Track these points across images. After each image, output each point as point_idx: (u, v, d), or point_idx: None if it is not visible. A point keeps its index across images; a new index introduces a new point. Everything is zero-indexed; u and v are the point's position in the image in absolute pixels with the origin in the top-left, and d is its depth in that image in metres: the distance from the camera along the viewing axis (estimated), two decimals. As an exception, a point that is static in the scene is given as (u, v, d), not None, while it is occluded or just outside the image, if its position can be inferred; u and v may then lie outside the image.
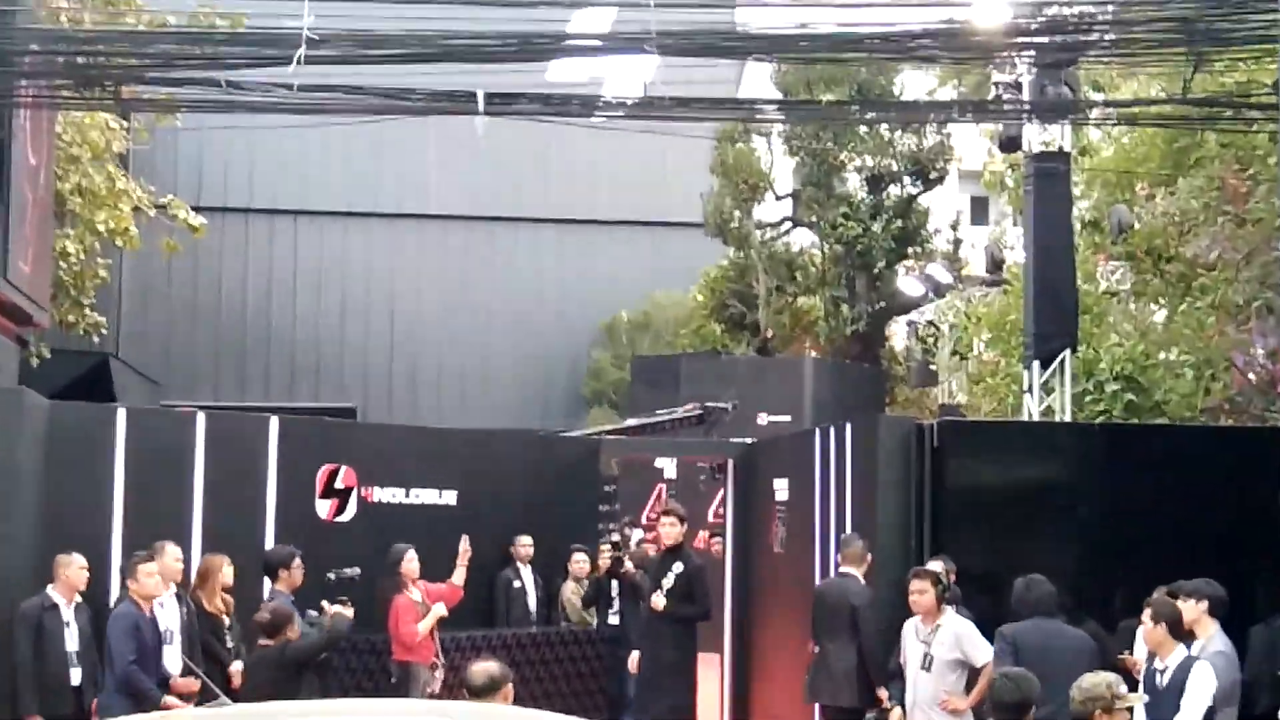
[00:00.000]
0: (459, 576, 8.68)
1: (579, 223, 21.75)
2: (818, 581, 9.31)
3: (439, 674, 8.18)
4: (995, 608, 7.82)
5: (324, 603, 8.00)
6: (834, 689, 8.01)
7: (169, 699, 7.33)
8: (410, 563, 8.41)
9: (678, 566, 8.72)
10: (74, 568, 7.25)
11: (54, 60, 9.71)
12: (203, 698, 7.42)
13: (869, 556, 8.19)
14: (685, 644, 8.91)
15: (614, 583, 9.69)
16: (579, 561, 9.93)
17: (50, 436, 8.43)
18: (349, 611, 7.69)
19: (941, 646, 7.29)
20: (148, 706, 6.99)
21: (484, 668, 5.14)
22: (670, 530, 8.92)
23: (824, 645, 8.10)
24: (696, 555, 9.94)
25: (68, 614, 7.17)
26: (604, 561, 9.89)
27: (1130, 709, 5.64)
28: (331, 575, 8.38)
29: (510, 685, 5.11)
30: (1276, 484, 8.10)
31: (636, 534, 11.03)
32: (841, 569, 8.25)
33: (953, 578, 7.93)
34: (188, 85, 10.69)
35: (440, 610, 8.27)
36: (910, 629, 7.39)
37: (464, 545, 8.72)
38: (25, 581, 7.80)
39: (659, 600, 8.51)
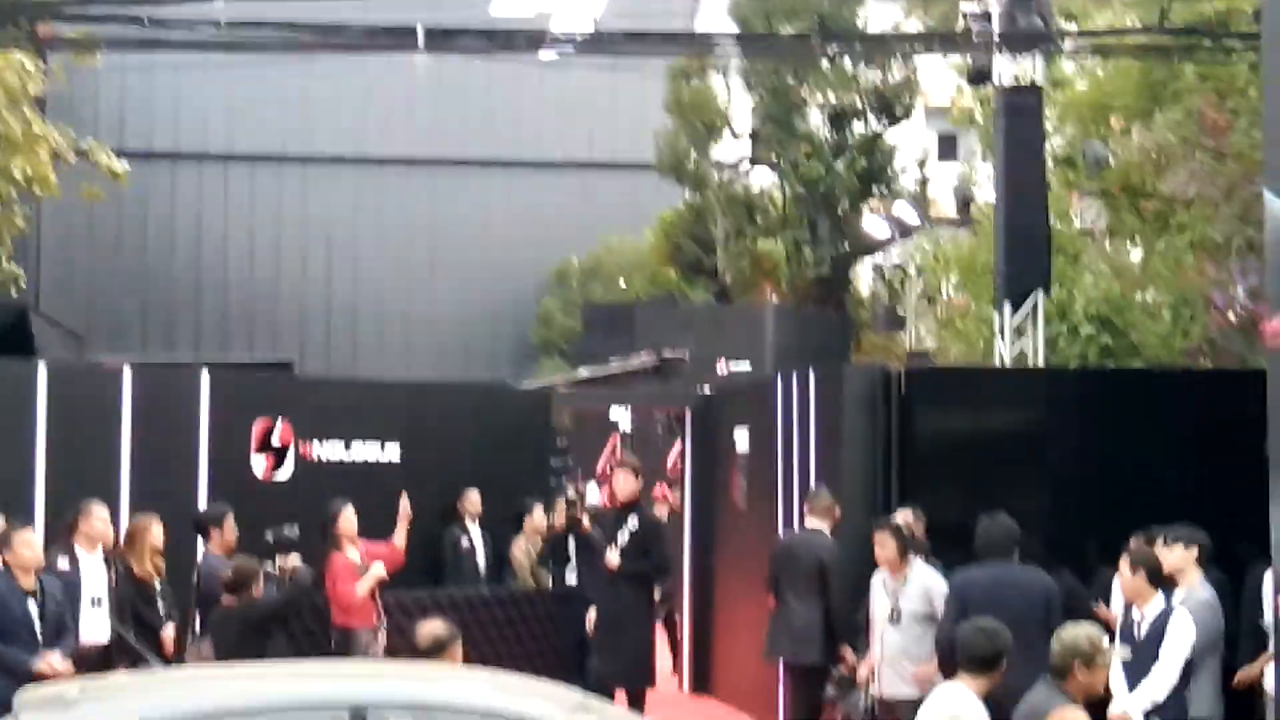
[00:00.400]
0: (399, 537, 8.50)
1: (526, 165, 21.62)
2: (781, 535, 9.20)
3: (381, 637, 8.07)
4: (968, 559, 7.52)
5: (274, 560, 7.92)
6: (795, 646, 7.93)
7: (41, 666, 6.90)
8: (347, 520, 8.17)
9: (633, 522, 8.60)
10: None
11: None
12: (132, 662, 7.42)
13: (837, 510, 8.09)
14: (642, 601, 8.82)
15: (570, 540, 9.58)
16: (535, 517, 9.89)
17: None
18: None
19: (909, 599, 7.20)
20: (18, 679, 6.62)
21: (430, 628, 5.21)
22: (625, 485, 8.80)
23: (785, 600, 7.99)
24: (653, 510, 9.94)
25: None
26: (559, 518, 9.79)
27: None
28: (269, 535, 8.21)
29: (458, 646, 5.18)
30: (1258, 428, 7.51)
31: (591, 488, 10.93)
32: (808, 522, 8.15)
33: (921, 528, 7.83)
34: (108, 22, 10.49)
35: (379, 571, 8.12)
36: (878, 582, 7.28)
37: (404, 504, 8.54)
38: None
39: (613, 557, 8.48)
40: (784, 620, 8.13)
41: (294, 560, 8.02)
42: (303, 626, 8.58)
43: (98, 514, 7.60)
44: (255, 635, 7.17)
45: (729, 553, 10.89)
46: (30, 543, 7.08)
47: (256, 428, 9.35)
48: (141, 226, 20.16)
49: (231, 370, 12.28)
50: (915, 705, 6.27)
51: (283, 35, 10.28)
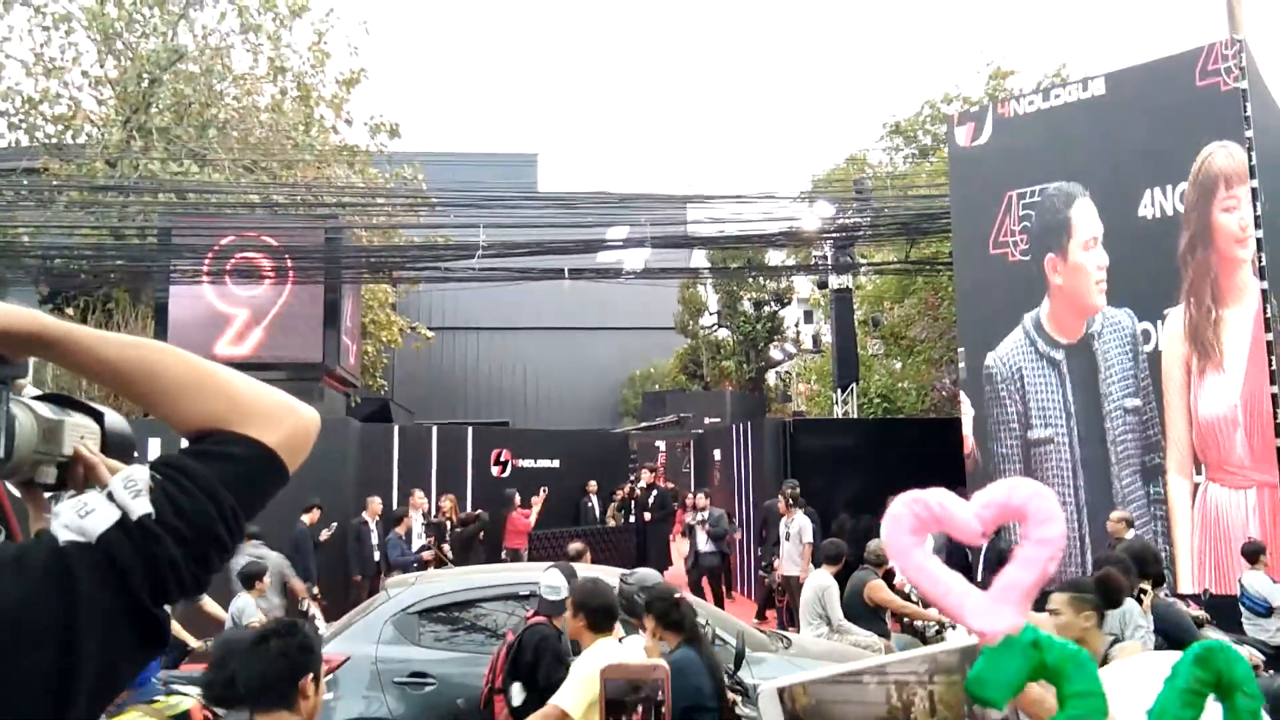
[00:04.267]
0: (537, 507, 14.06)
1: (623, 329, 31.11)
2: (739, 499, 14.83)
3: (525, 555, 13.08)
4: (823, 515, 12.18)
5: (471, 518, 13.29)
6: (771, 559, 12.28)
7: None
8: (517, 499, 13.80)
9: (655, 493, 15.27)
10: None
11: (361, 261, 16.34)
12: (440, 565, 12.88)
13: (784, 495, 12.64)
14: (664, 529, 15.06)
15: (633, 501, 15.42)
16: (624, 491, 15.68)
17: (361, 444, 13.97)
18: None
19: (792, 530, 11.51)
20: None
21: (574, 545, 8.50)
22: (648, 476, 15.34)
23: (764, 535, 12.79)
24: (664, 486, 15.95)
25: None
26: (629, 491, 15.57)
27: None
28: (480, 513, 13.90)
29: (588, 554, 8.48)
30: (956, 449, 10.98)
31: (645, 475, 16.43)
32: (769, 501, 12.82)
33: (797, 491, 11.95)
34: (424, 267, 16.79)
35: (531, 520, 13.90)
36: (781, 521, 11.66)
37: (543, 493, 14.08)
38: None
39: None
40: (770, 542, 12.12)
41: (480, 512, 13.21)
42: (488, 546, 13.44)
43: (419, 496, 13.14)
44: (469, 544, 12.65)
45: (711, 502, 15.31)
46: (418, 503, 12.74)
47: (494, 452, 15.35)
48: (441, 359, 28.30)
49: (481, 425, 16.59)
50: (798, 580, 10.07)
51: (504, 272, 16.18)
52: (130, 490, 1.00)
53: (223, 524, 1.04)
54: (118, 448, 1.17)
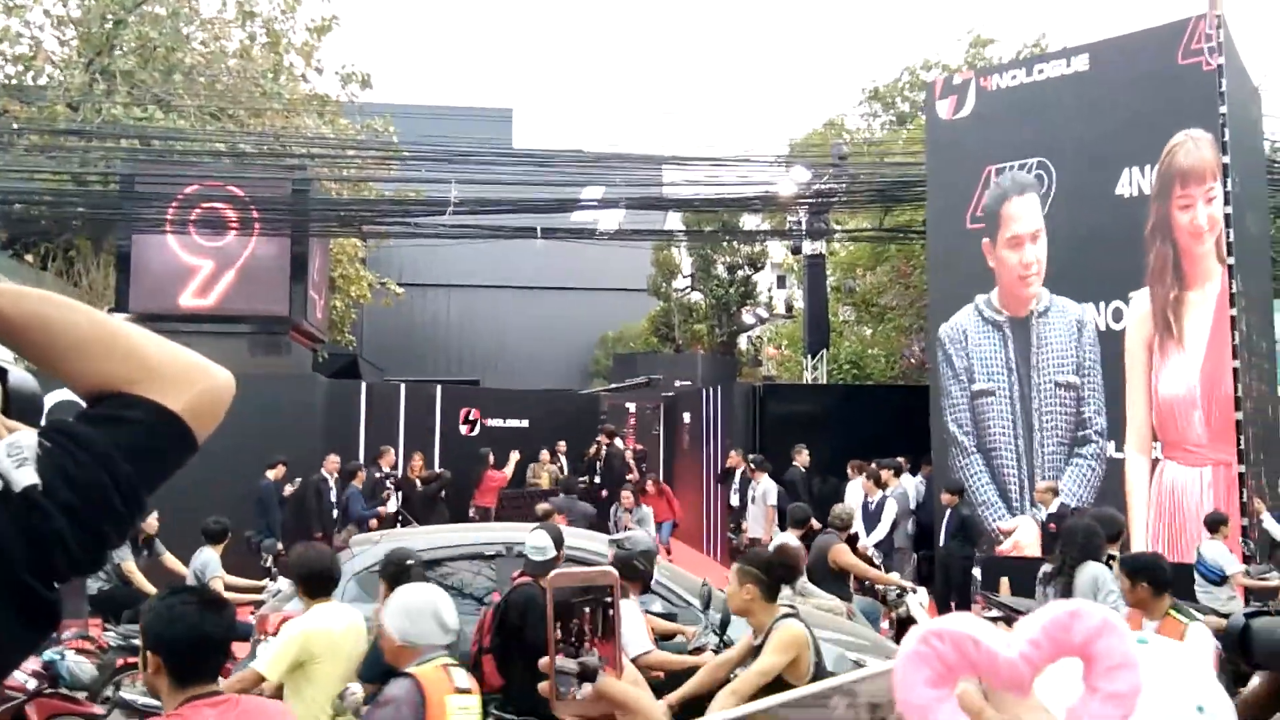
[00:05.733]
0: (510, 468, 14.06)
1: (595, 290, 31.06)
2: (707, 462, 15.01)
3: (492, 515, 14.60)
4: (786, 479, 12.42)
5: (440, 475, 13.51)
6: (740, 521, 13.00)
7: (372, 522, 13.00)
8: (491, 458, 13.87)
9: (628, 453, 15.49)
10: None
11: (330, 214, 16.20)
12: (405, 523, 12.81)
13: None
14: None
15: (598, 461, 15.42)
16: (589, 452, 15.76)
17: (328, 401, 13.94)
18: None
19: (758, 493, 12.18)
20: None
21: (542, 506, 9.20)
22: (603, 439, 15.37)
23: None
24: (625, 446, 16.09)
25: None
26: (596, 450, 15.56)
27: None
28: (441, 471, 14.33)
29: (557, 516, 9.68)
30: (924, 416, 11.35)
31: (618, 440, 16.40)
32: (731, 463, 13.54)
33: (741, 459, 12.84)
34: (394, 222, 16.84)
35: (504, 478, 14.02)
36: (750, 485, 12.51)
37: (515, 455, 14.16)
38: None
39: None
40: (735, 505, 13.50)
41: (443, 471, 13.13)
42: (451, 504, 13.23)
43: (389, 453, 13.32)
44: (431, 503, 12.64)
45: (679, 468, 16.81)
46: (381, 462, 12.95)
47: (462, 411, 15.29)
48: (411, 316, 27.95)
49: (451, 384, 16.56)
50: (762, 542, 10.00)
51: (476, 228, 16.16)
52: (15, 459, 0.90)
53: (119, 495, 0.95)
54: (23, 408, 1.08)
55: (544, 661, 1.16)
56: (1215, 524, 8.60)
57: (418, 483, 13.44)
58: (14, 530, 0.89)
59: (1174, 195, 9.75)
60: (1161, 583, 4.60)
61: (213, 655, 2.57)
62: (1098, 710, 0.83)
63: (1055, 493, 9.76)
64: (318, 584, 4.44)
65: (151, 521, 8.90)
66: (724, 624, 5.30)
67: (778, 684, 4.07)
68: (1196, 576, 8.52)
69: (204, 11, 20.51)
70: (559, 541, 5.31)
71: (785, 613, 4.25)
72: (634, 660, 4.50)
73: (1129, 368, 10.04)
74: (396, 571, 4.52)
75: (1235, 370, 9.35)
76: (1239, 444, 9.27)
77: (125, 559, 8.38)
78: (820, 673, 4.22)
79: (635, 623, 4.93)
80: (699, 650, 5.22)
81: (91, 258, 17.95)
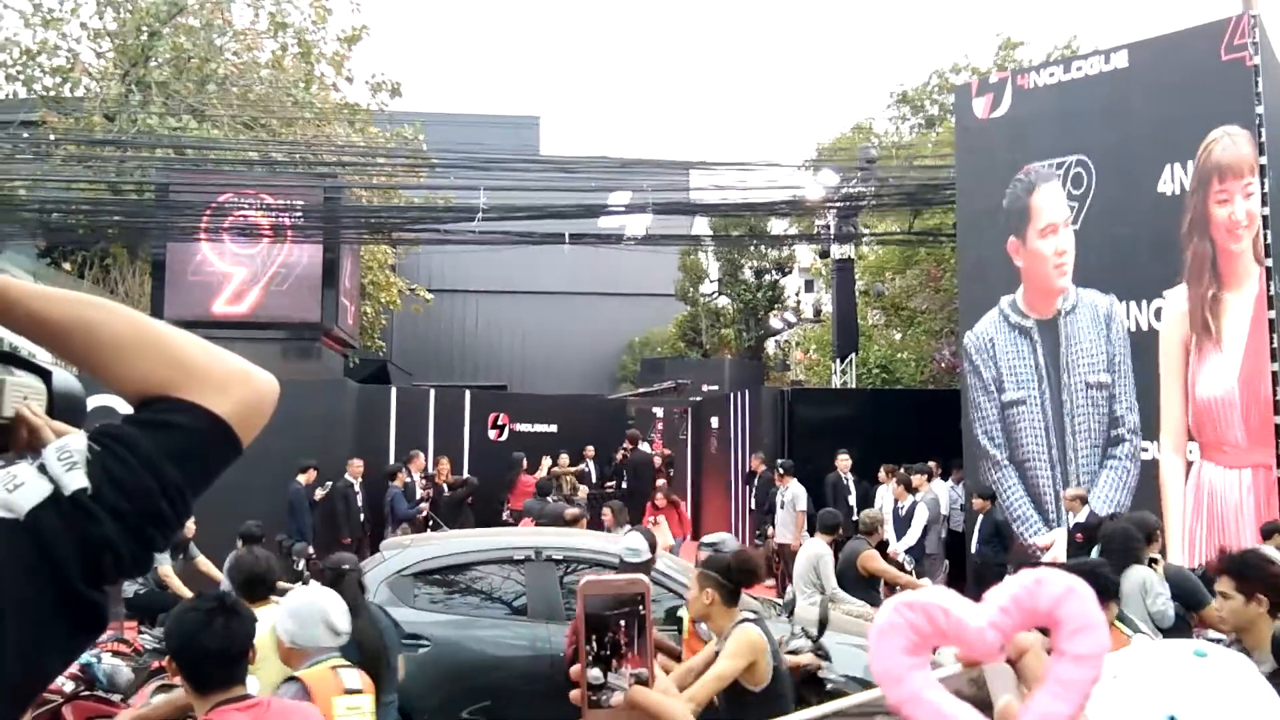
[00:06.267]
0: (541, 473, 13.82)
1: (623, 295, 31.19)
2: (735, 467, 14.80)
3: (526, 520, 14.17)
4: (814, 484, 12.15)
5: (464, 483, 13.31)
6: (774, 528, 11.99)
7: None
8: (524, 462, 13.76)
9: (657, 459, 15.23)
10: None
11: (361, 222, 16.24)
12: (436, 527, 12.39)
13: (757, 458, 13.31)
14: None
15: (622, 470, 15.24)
16: (617, 456, 15.47)
17: (359, 406, 13.94)
18: None
19: (786, 498, 11.75)
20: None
21: (571, 511, 8.94)
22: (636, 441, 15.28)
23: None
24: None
25: None
26: (623, 454, 15.26)
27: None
28: (468, 477, 14.13)
29: (584, 520, 9.11)
30: (954, 421, 11.16)
31: (644, 445, 16.15)
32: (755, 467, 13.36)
33: (759, 463, 12.71)
34: (424, 229, 16.82)
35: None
36: (774, 491, 11.88)
37: (563, 458, 14.26)
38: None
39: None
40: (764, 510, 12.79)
41: (470, 477, 13.21)
42: (477, 509, 12.96)
43: (418, 457, 13.19)
44: (458, 508, 12.54)
45: (706, 474, 16.56)
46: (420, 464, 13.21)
47: (491, 416, 15.20)
48: (439, 321, 28.35)
49: (479, 389, 16.52)
50: (790, 548, 10.34)
51: (504, 235, 16.09)
52: (65, 462, 0.90)
53: (166, 500, 0.95)
54: (66, 410, 1.08)
55: (575, 670, 1.16)
56: (1271, 532, 8.39)
57: (445, 488, 13.45)
58: (64, 534, 0.89)
59: (1211, 190, 9.59)
60: (1101, 590, 4.44)
61: (229, 663, 2.58)
62: (1066, 671, 0.86)
63: (1084, 501, 9.59)
64: (255, 588, 4.48)
65: (189, 525, 8.93)
66: (821, 626, 5.32)
67: (735, 689, 4.03)
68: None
69: (237, 23, 20.76)
70: (653, 545, 5.45)
71: (743, 617, 4.23)
72: None
73: (1164, 366, 9.88)
74: (334, 577, 4.50)
75: (1275, 374, 9.17)
76: (1278, 447, 9.08)
77: (162, 563, 8.43)
78: (779, 676, 4.20)
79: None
80: (793, 654, 5.18)
81: (127, 266, 18.17)
